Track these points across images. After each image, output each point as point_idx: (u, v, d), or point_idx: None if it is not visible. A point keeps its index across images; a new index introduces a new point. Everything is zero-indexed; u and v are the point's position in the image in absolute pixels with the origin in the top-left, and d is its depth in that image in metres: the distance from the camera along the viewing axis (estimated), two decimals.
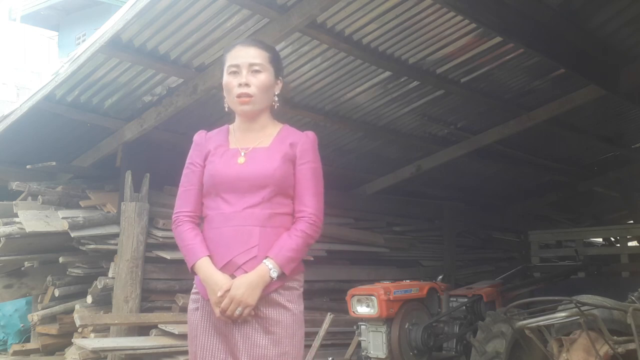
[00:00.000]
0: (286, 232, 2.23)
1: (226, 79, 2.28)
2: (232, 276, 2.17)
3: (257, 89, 2.24)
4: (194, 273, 2.23)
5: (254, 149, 2.27)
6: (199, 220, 2.29)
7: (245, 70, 2.24)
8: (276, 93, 2.32)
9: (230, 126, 2.38)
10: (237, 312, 2.12)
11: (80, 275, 5.61)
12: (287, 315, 2.20)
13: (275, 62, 2.32)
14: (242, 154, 2.26)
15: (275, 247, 2.18)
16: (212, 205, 2.25)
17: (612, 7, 5.02)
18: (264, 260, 2.17)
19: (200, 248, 2.21)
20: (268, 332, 2.17)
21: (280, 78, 2.34)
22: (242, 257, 2.17)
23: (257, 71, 2.25)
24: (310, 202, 2.26)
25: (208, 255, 2.20)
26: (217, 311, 2.15)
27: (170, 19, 4.34)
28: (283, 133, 2.33)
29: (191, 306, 2.28)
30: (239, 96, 2.24)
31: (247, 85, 2.23)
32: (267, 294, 2.17)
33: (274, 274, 2.16)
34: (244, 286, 2.12)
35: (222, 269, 2.17)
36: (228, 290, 2.12)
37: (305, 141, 2.30)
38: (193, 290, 2.30)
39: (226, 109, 2.36)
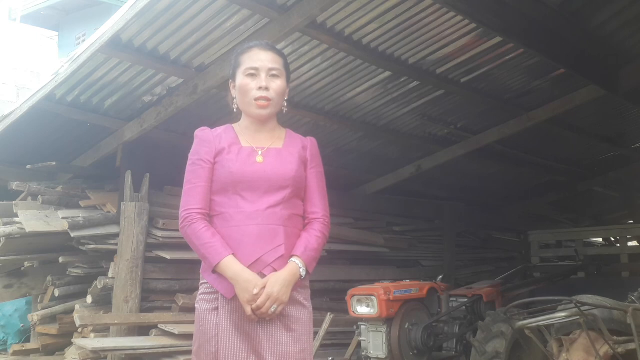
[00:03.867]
0: (305, 233, 2.29)
1: (243, 80, 2.28)
2: (261, 274, 2.17)
3: (276, 93, 2.28)
4: (215, 272, 2.20)
5: (269, 148, 2.30)
6: (209, 217, 2.28)
7: (265, 74, 2.26)
8: (285, 98, 2.36)
9: (235, 126, 2.38)
10: (271, 310, 2.13)
11: (80, 275, 5.62)
12: (305, 313, 2.26)
13: (287, 68, 2.37)
14: (259, 152, 2.28)
15: (299, 247, 2.24)
16: (229, 204, 2.23)
17: (612, 7, 5.01)
18: (293, 259, 2.21)
19: (222, 246, 2.18)
20: (289, 330, 2.21)
21: (289, 84, 2.38)
22: (270, 255, 2.19)
23: (275, 76, 2.28)
24: (321, 204, 2.34)
25: (232, 254, 2.18)
26: (248, 309, 2.14)
27: (170, 19, 4.34)
28: (290, 136, 2.39)
29: (205, 306, 2.25)
30: (258, 99, 2.26)
31: (267, 89, 2.25)
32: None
33: (303, 273, 2.21)
34: (279, 283, 2.15)
35: (250, 267, 2.17)
36: (264, 288, 2.13)
37: (312, 146, 2.39)
38: (205, 290, 2.27)
39: (235, 110, 2.36)
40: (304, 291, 2.29)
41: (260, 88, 2.25)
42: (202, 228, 2.22)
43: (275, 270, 2.18)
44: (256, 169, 2.24)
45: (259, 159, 2.26)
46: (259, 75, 2.26)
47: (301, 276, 2.21)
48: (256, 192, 2.22)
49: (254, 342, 2.18)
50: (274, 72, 2.28)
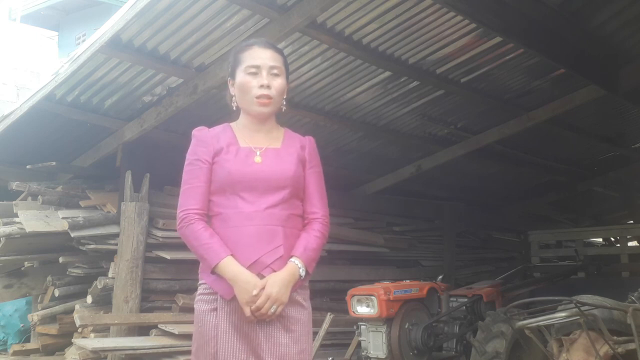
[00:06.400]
0: (305, 233, 2.28)
1: (244, 78, 2.26)
2: (260, 275, 2.16)
3: (277, 92, 2.27)
4: (214, 273, 2.18)
5: (267, 149, 2.29)
6: (207, 218, 2.27)
7: (266, 72, 2.26)
8: (284, 97, 2.35)
9: (233, 124, 2.37)
10: (271, 311, 2.12)
11: (80, 275, 5.62)
12: (304, 314, 2.26)
13: (287, 66, 2.36)
14: (258, 153, 2.27)
15: (299, 247, 2.23)
16: (228, 204, 2.22)
17: (612, 7, 5.01)
18: (292, 259, 2.20)
19: (221, 247, 2.17)
20: (289, 331, 2.20)
21: (288, 83, 2.37)
22: (269, 256, 2.18)
23: (276, 75, 2.27)
24: (320, 205, 2.33)
25: (231, 254, 2.17)
26: (247, 310, 2.12)
27: (170, 19, 4.34)
28: (288, 136, 2.37)
29: (204, 307, 2.23)
30: (259, 97, 2.25)
31: (268, 87, 2.25)
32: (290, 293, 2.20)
33: (302, 273, 2.20)
34: (279, 284, 2.14)
35: (249, 268, 2.16)
36: (263, 289, 2.12)
37: (310, 145, 2.37)
38: (204, 291, 2.26)
39: (234, 108, 2.35)
40: (303, 291, 2.27)
41: (262, 86, 2.24)
42: (201, 228, 2.20)
43: (275, 271, 2.17)
44: (255, 170, 2.23)
45: (258, 159, 2.25)
46: (260, 73, 2.25)
47: (300, 276, 2.20)
48: (254, 192, 2.21)
49: (253, 344, 2.17)
50: (274, 71, 2.27)
